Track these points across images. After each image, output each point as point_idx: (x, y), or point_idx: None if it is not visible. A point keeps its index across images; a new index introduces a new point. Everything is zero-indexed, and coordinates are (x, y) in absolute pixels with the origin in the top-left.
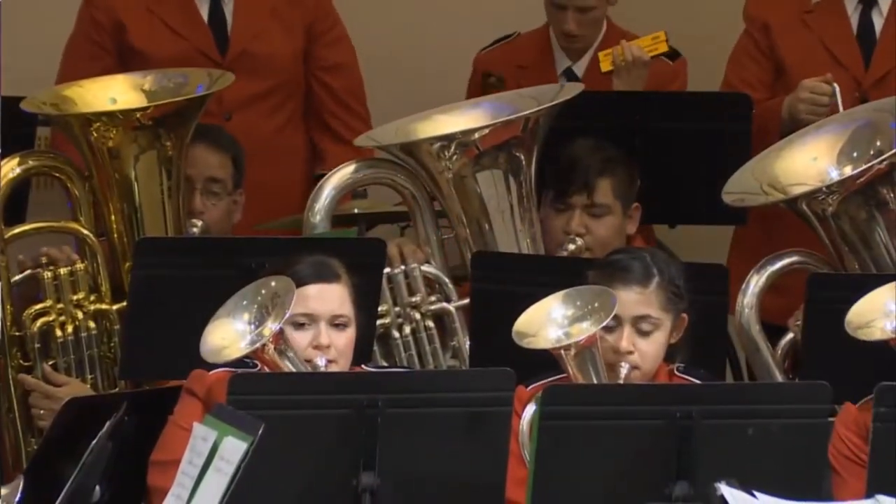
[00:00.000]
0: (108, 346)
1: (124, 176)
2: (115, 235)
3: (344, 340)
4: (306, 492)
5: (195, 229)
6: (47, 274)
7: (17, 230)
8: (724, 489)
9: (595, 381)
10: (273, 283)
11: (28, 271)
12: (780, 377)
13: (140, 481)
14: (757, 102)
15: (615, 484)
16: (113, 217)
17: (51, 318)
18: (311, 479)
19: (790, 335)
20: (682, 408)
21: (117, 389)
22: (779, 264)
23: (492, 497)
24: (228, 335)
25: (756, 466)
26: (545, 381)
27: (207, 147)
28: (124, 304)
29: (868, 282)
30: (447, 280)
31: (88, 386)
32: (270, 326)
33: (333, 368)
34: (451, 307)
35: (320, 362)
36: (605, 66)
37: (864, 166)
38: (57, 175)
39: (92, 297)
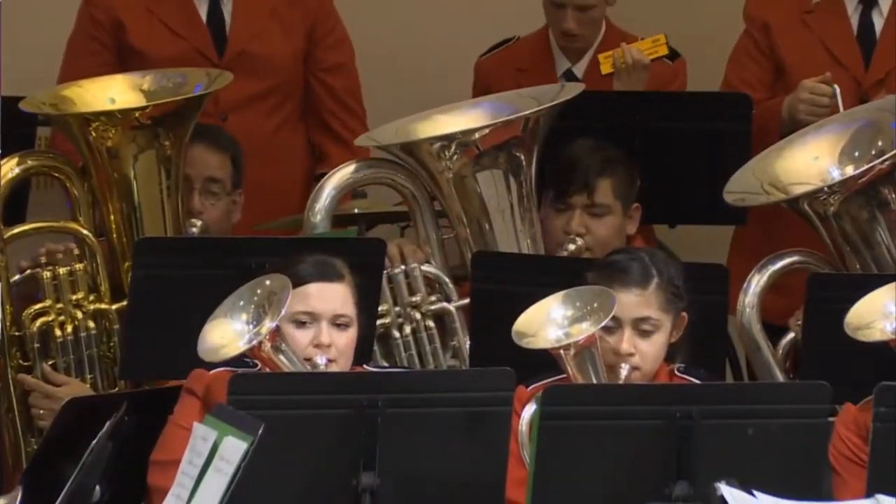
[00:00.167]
0: (107, 345)
1: (123, 175)
2: (115, 235)
3: (345, 340)
4: (306, 492)
5: (194, 229)
6: (46, 274)
7: (16, 230)
8: (724, 489)
9: (594, 382)
10: (268, 282)
11: (27, 271)
12: (781, 377)
13: (140, 481)
14: (757, 102)
15: (615, 484)
16: (112, 217)
17: (50, 318)
18: (311, 479)
19: (791, 335)
20: (682, 408)
21: (117, 389)
22: (780, 264)
23: (492, 497)
24: (226, 334)
25: (756, 466)
26: (545, 381)
27: (206, 147)
28: (124, 303)
29: (868, 282)
30: (447, 280)
31: (88, 386)
32: (268, 325)
33: (333, 368)
34: (451, 307)
35: (320, 361)
36: (606, 69)
37: (866, 166)
38: (56, 175)
39: (91, 297)
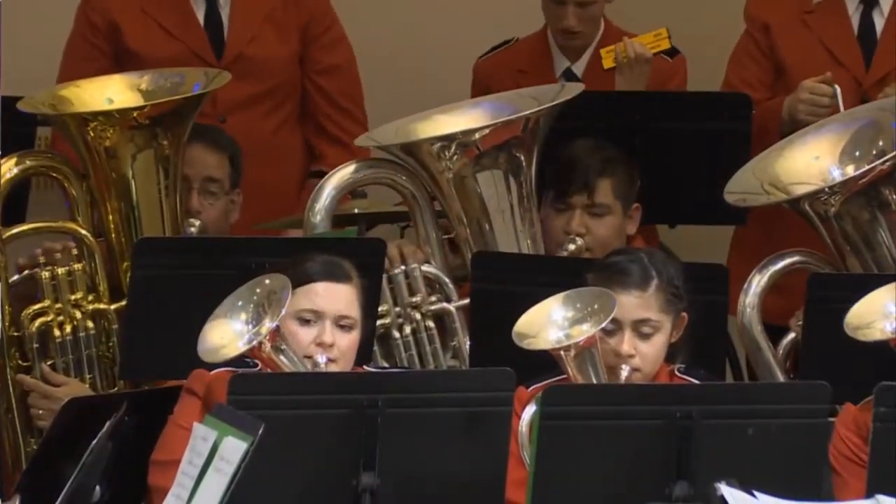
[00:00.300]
0: (106, 345)
1: (121, 175)
2: (113, 235)
3: (347, 342)
4: (306, 492)
5: (193, 229)
6: (45, 274)
7: (14, 230)
8: (724, 489)
9: (595, 382)
10: (268, 281)
11: (26, 271)
12: (781, 377)
13: (140, 481)
14: (757, 102)
15: (615, 484)
16: (110, 216)
17: (49, 318)
18: (311, 479)
19: (791, 335)
20: (682, 408)
21: (116, 389)
22: (781, 264)
23: (492, 497)
24: (226, 335)
25: (756, 466)
26: (545, 382)
27: (205, 147)
28: (122, 303)
29: (868, 282)
30: (447, 280)
31: (87, 386)
32: (268, 325)
33: (333, 368)
34: (451, 307)
35: (321, 360)
36: (608, 63)
37: (867, 167)
38: (54, 175)
39: (90, 297)
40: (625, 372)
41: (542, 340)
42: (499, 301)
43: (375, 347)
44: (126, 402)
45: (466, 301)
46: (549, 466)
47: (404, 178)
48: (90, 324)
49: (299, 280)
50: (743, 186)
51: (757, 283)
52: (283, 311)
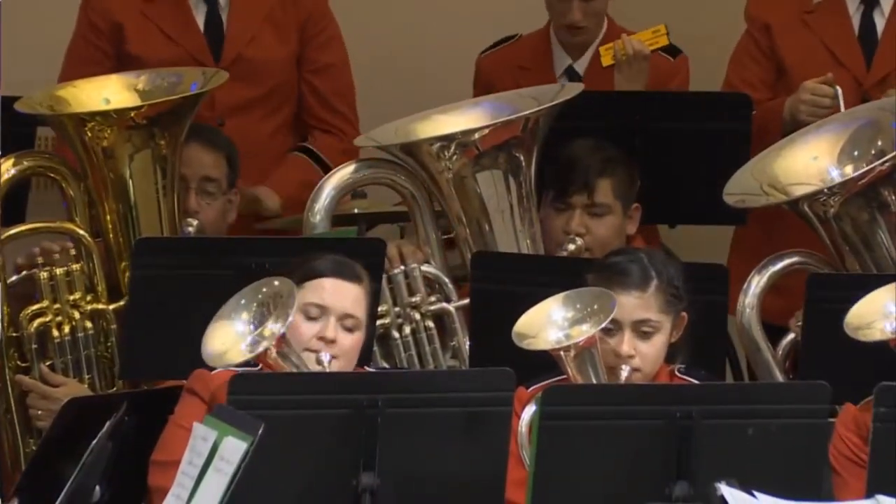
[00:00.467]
0: (104, 345)
1: (119, 175)
2: (111, 235)
3: (350, 342)
4: (306, 492)
5: (190, 229)
6: (43, 274)
7: (13, 231)
8: (724, 489)
9: (594, 382)
10: (276, 283)
11: (24, 272)
12: (780, 378)
13: (140, 481)
14: (758, 102)
15: (615, 484)
16: (108, 217)
17: (47, 319)
18: (311, 479)
19: (791, 335)
20: (682, 408)
21: (115, 389)
22: (780, 265)
23: (491, 497)
24: (229, 338)
25: (756, 466)
26: (545, 382)
27: (202, 146)
28: (121, 303)
29: (867, 282)
30: (447, 280)
31: (86, 386)
32: (271, 327)
33: (335, 366)
34: (451, 307)
35: (325, 358)
36: (607, 61)
37: (866, 168)
38: (52, 175)
39: (88, 297)
40: (624, 372)
41: (541, 341)
42: (499, 301)
43: (375, 348)
44: (126, 402)
45: (466, 301)
46: (548, 466)
47: (404, 178)
48: (88, 324)
49: (308, 275)
50: (742, 187)
51: (756, 283)
52: (290, 319)
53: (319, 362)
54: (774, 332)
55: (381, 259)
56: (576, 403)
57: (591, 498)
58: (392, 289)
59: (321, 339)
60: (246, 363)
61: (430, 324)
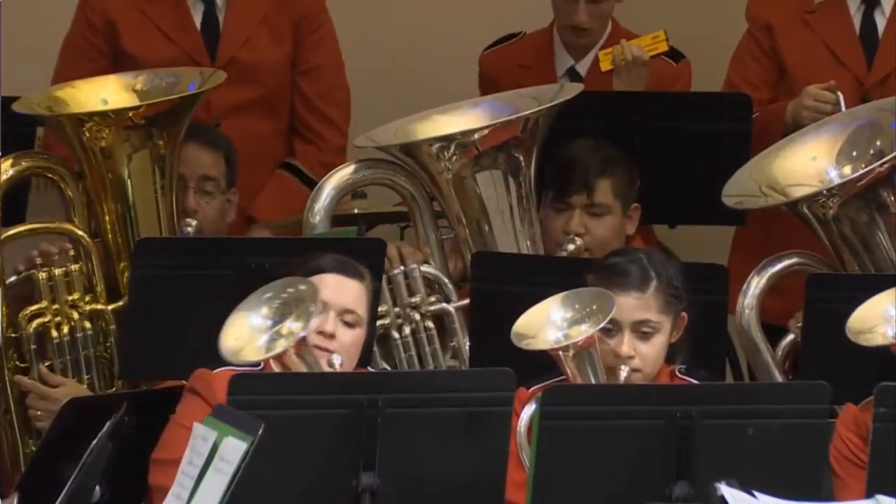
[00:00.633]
0: (103, 346)
1: (117, 175)
2: (110, 235)
3: (350, 338)
4: (306, 492)
5: (189, 228)
6: (42, 275)
7: (11, 231)
8: (724, 489)
9: (594, 382)
10: (302, 287)
11: (23, 272)
12: (780, 378)
13: (140, 481)
14: (760, 103)
15: (615, 484)
16: (107, 217)
17: (46, 319)
18: (311, 479)
19: (790, 336)
20: (682, 408)
21: (114, 389)
22: (779, 266)
23: (491, 497)
24: (244, 332)
25: (756, 466)
26: (545, 382)
27: (200, 146)
28: (119, 304)
29: (867, 282)
30: (447, 280)
31: (85, 386)
32: (289, 325)
33: (335, 362)
34: (450, 308)
35: (335, 361)
36: (605, 66)
37: (865, 169)
38: (50, 176)
39: (87, 298)
40: (624, 372)
41: (540, 341)
42: (498, 301)
43: (375, 348)
44: (126, 402)
45: (466, 301)
46: (548, 466)
47: (403, 178)
48: (87, 324)
49: (310, 271)
50: (741, 188)
51: (755, 284)
52: (312, 322)
53: (331, 364)
54: (774, 333)
55: (382, 259)
56: (576, 403)
57: (591, 498)
58: (392, 289)
59: (320, 332)
60: (257, 364)
61: (430, 324)
